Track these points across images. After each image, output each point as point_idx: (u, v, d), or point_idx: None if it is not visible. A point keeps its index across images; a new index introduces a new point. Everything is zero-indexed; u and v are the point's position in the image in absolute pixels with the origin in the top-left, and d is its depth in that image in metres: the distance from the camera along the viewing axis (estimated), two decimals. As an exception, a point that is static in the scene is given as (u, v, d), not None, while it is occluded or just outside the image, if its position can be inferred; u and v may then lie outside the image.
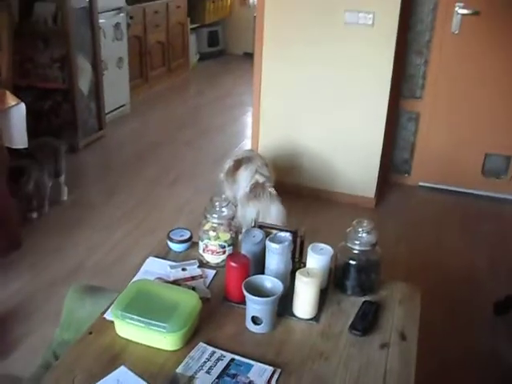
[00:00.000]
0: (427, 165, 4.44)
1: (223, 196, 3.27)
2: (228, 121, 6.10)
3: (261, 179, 3.36)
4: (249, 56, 9.00)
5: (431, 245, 3.71)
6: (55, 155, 3.91)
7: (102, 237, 3.66)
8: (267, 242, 1.71)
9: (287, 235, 1.75)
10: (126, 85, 6.05)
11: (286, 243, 1.71)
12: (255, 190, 3.30)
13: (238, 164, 3.51)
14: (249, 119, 5.94)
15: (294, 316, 1.66)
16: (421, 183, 4.51)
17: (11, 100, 2.99)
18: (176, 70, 7.67)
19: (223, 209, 1.86)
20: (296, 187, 4.19)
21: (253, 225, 1.90)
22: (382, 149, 3.97)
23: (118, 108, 5.93)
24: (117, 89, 5.79)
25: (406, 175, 4.55)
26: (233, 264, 1.67)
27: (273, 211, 3.26)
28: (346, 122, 3.99)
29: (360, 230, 1.77)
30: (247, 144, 5.11)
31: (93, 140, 5.22)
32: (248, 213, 3.24)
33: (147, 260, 1.94)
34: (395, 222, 3.96)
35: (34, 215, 3.78)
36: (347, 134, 4.01)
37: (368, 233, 1.77)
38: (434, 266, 3.46)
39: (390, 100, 3.86)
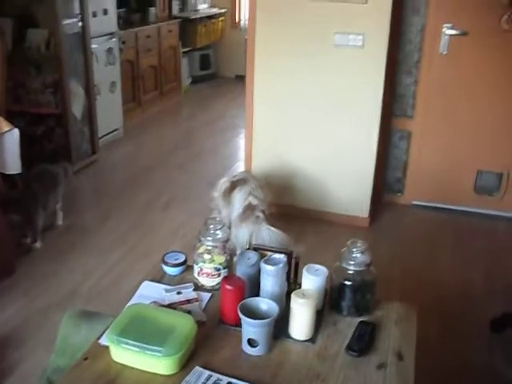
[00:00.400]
0: (420, 183, 4.45)
1: (218, 216, 3.36)
2: (220, 143, 6.12)
3: (254, 201, 3.38)
4: (240, 78, 9.04)
5: (425, 263, 3.71)
6: (54, 183, 3.90)
7: (97, 262, 3.65)
8: (262, 264, 1.71)
9: (282, 257, 1.75)
10: (119, 109, 6.07)
11: (281, 265, 1.71)
12: (248, 212, 3.33)
13: (234, 185, 3.51)
14: (241, 141, 5.97)
15: (290, 337, 1.66)
16: (414, 202, 4.52)
17: (4, 125, 2.99)
18: (168, 93, 7.71)
19: (217, 231, 1.86)
20: (290, 208, 4.20)
21: (247, 247, 1.90)
22: (375, 168, 3.99)
23: (111, 132, 5.94)
24: (110, 113, 5.81)
25: (399, 194, 4.57)
26: (228, 287, 1.67)
27: (264, 235, 3.28)
28: (339, 142, 4.00)
29: (354, 250, 1.77)
30: (240, 166, 5.12)
31: (86, 164, 5.22)
32: (241, 234, 3.27)
33: (142, 284, 1.93)
34: (389, 241, 3.96)
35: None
36: (340, 154, 4.02)
37: (362, 253, 1.78)
38: (429, 283, 3.46)
39: (381, 119, 3.89)
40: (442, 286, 3.45)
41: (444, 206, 4.46)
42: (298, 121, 4.07)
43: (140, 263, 3.61)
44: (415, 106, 4.28)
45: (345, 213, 4.14)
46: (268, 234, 3.29)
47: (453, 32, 4.00)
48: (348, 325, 1.74)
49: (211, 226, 1.86)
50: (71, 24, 4.85)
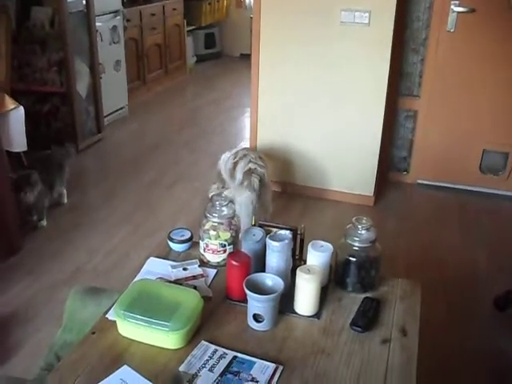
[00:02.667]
0: (425, 162, 4.45)
1: (222, 191, 3.41)
2: (226, 122, 6.11)
3: (252, 166, 3.55)
4: (245, 57, 9.01)
5: (430, 242, 3.72)
6: (59, 167, 3.92)
7: (102, 239, 3.67)
8: (267, 240, 1.72)
9: (287, 233, 1.76)
10: (124, 87, 6.06)
11: (286, 241, 1.71)
12: (248, 178, 3.48)
13: (236, 164, 3.58)
14: (247, 120, 5.97)
15: (295, 313, 1.67)
16: (419, 181, 4.52)
17: (10, 104, 2.99)
18: (173, 72, 7.68)
19: (223, 208, 1.87)
20: (295, 187, 4.21)
21: (253, 223, 1.91)
22: (380, 147, 3.98)
23: (117, 111, 5.94)
24: (115, 92, 5.80)
25: (405, 173, 4.56)
26: (234, 262, 1.68)
27: (243, 199, 3.46)
28: (344, 121, 3.99)
29: (359, 226, 1.78)
30: (246, 145, 5.11)
31: (91, 143, 5.23)
32: (244, 199, 3.43)
33: (148, 260, 1.95)
34: (394, 219, 3.97)
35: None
36: (345, 133, 4.01)
37: (367, 230, 1.78)
38: (434, 262, 3.47)
39: (387, 98, 3.86)
40: (447, 265, 3.46)
41: (449, 185, 4.46)
42: (303, 99, 4.05)
43: (145, 241, 3.63)
44: (422, 84, 4.26)
45: (350, 191, 4.14)
46: (245, 201, 3.46)
47: (460, 9, 3.96)
48: (353, 301, 1.75)
49: (217, 203, 1.87)
50: (75, 2, 4.82)
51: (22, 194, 3.56)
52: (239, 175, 3.52)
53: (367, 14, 3.63)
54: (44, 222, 3.81)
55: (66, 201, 4.07)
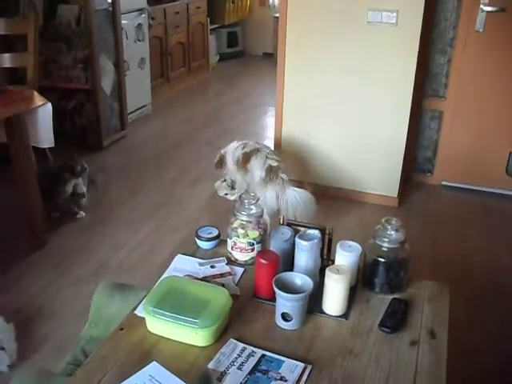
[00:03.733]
0: (450, 164, 4.41)
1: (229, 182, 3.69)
2: (248, 121, 6.11)
3: (273, 163, 3.57)
4: (268, 56, 9.02)
5: (455, 244, 3.69)
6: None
7: (126, 236, 3.69)
8: (297, 240, 1.71)
9: (316, 232, 1.75)
10: (148, 85, 6.09)
11: (316, 240, 1.71)
12: (270, 175, 3.50)
13: (248, 156, 3.65)
14: (269, 119, 5.97)
15: (324, 313, 1.67)
16: (443, 182, 4.49)
17: (38, 100, 3.01)
18: (196, 70, 7.70)
19: (252, 206, 1.87)
20: (318, 187, 4.19)
21: (281, 222, 1.90)
22: (405, 148, 3.95)
23: (140, 108, 5.97)
24: (138, 89, 5.83)
25: (429, 174, 4.53)
26: (263, 261, 1.67)
27: (288, 196, 3.47)
28: (369, 121, 3.97)
29: (389, 227, 1.76)
30: (269, 144, 5.11)
31: (115, 140, 5.26)
32: (268, 197, 3.44)
33: (176, 257, 1.95)
34: (419, 221, 3.94)
35: (56, 214, 3.82)
36: (370, 133, 3.99)
37: (397, 230, 1.77)
38: (459, 264, 3.44)
39: (413, 99, 3.84)
40: (472, 267, 3.43)
41: (474, 188, 4.42)
42: (329, 98, 4.04)
43: (169, 238, 3.65)
44: (448, 85, 4.22)
45: (374, 192, 4.12)
46: (293, 195, 3.46)
47: (489, 8, 3.91)
48: (380, 302, 1.74)
49: (246, 201, 1.87)
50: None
51: (70, 184, 3.69)
52: (260, 172, 3.56)
53: (395, 14, 3.61)
54: (83, 214, 3.86)
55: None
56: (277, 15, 8.65)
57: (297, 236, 1.73)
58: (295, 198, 3.47)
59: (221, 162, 3.83)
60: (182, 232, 3.69)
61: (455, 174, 4.44)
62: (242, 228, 1.86)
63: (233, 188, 4.00)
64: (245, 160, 3.67)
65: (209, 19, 7.92)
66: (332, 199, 4.13)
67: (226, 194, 3.98)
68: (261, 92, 7.29)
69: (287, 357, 1.48)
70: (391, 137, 3.94)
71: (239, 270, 1.86)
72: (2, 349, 2.36)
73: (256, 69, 8.52)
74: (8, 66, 3.77)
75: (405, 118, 3.86)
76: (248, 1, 9.07)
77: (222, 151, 3.82)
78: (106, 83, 5.05)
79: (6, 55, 3.75)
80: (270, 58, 8.97)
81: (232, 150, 3.80)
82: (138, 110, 5.91)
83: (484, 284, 3.28)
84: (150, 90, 6.18)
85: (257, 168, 3.58)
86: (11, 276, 3.20)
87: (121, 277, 3.14)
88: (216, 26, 8.38)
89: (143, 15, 5.77)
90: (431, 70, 4.22)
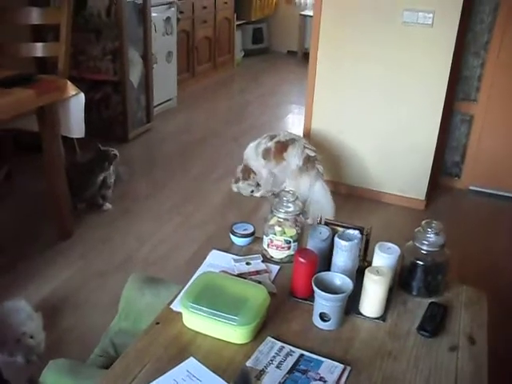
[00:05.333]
0: (478, 168, 4.37)
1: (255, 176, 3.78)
2: (273, 119, 6.10)
3: (311, 153, 3.69)
4: (292, 54, 9.00)
5: (483, 249, 3.65)
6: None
7: (152, 229, 3.68)
8: (336, 239, 1.69)
9: (356, 233, 1.73)
10: (174, 79, 6.08)
11: (356, 241, 1.69)
12: (307, 164, 3.63)
13: (284, 145, 3.76)
14: (295, 118, 5.97)
15: (361, 314, 1.65)
16: (471, 187, 4.44)
17: (72, 90, 3.01)
18: (221, 65, 7.70)
19: (290, 204, 1.85)
20: (345, 186, 4.17)
21: (318, 221, 1.88)
22: (435, 151, 3.91)
23: (166, 102, 5.97)
24: (165, 82, 5.82)
25: (456, 178, 4.49)
26: (302, 260, 1.66)
27: (316, 188, 3.62)
28: (400, 123, 3.94)
29: (429, 230, 1.74)
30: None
31: (141, 132, 5.26)
32: (302, 186, 3.57)
33: (210, 253, 1.93)
34: (446, 225, 3.81)
35: (82, 206, 3.82)
36: (400, 135, 3.96)
37: (437, 234, 1.75)
38: (486, 270, 3.41)
39: (444, 101, 3.80)
40: (500, 273, 3.39)
41: (502, 193, 4.36)
42: (359, 98, 4.01)
43: (195, 233, 3.64)
44: (480, 89, 4.17)
45: (401, 194, 4.09)
46: (320, 190, 3.62)
47: (527, 13, 3.86)
48: (418, 305, 1.72)
49: (284, 199, 1.85)
50: (132, -9, 4.86)
51: (101, 176, 3.75)
52: (297, 160, 3.65)
53: (431, 15, 3.57)
54: (109, 205, 3.88)
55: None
56: (303, 13, 8.66)
57: (336, 235, 1.71)
58: (320, 194, 3.59)
59: (248, 172, 3.93)
60: (209, 228, 3.68)
61: (483, 178, 4.39)
62: (279, 225, 1.84)
63: (258, 185, 4.01)
64: (280, 149, 3.74)
65: (235, 15, 7.90)
66: (358, 199, 4.10)
67: (252, 192, 3.98)
68: (286, 90, 7.27)
69: (325, 357, 1.47)
70: (422, 139, 3.90)
71: (275, 268, 1.85)
72: (31, 337, 2.36)
73: (280, 66, 8.50)
74: (40, 55, 3.77)
75: (436, 121, 3.83)
76: (275, -2, 9.05)
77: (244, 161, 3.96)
78: (134, 75, 5.05)
79: (39, 45, 3.75)
80: (295, 55, 8.95)
81: (253, 147, 3.84)
82: (163, 103, 5.91)
83: (512, 291, 3.24)
84: (176, 83, 6.16)
85: (294, 156, 3.66)
86: (37, 265, 3.20)
87: (147, 270, 3.14)
88: (242, 21, 8.37)
89: (172, 9, 5.76)
90: (464, 72, 4.17)
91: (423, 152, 3.92)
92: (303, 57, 8.72)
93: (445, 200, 4.27)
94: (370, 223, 1.84)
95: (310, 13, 8.54)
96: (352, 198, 4.07)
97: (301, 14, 8.76)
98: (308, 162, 3.66)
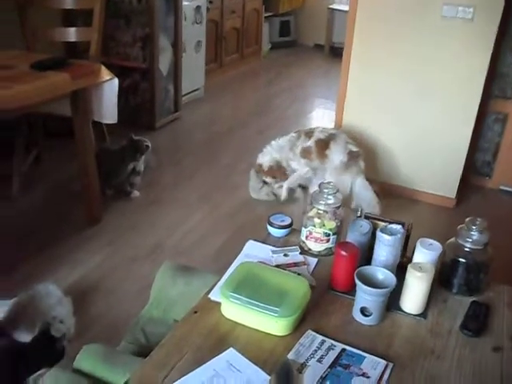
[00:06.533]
0: (510, 169, 4.29)
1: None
2: (301, 112, 6.06)
3: (354, 148, 3.71)
4: (319, 48, 8.93)
5: (513, 249, 3.59)
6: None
7: (181, 218, 3.67)
8: (379, 234, 1.67)
9: (399, 227, 1.70)
10: (202, 68, 6.05)
11: (399, 235, 1.67)
12: (351, 159, 3.65)
13: (325, 142, 3.73)
14: (323, 112, 5.93)
15: (401, 310, 1.62)
16: (502, 187, 4.37)
17: (106, 74, 3.00)
18: (248, 57, 7.66)
19: (330, 196, 1.82)
20: (375, 182, 4.11)
21: (358, 215, 1.85)
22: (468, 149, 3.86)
23: (193, 91, 5.94)
24: (193, 72, 5.80)
25: (487, 178, 4.42)
26: (343, 253, 1.63)
27: (357, 184, 3.67)
28: (433, 120, 3.88)
29: (473, 228, 1.71)
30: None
31: (168, 121, 5.25)
32: (345, 182, 3.60)
33: (247, 243, 1.91)
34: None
35: (110, 192, 3.82)
36: (433, 132, 3.90)
37: (481, 232, 1.72)
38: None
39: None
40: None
41: (534, 195, 4.30)
42: (393, 93, 3.96)
43: (223, 223, 3.63)
44: (517, 87, 4.10)
45: (432, 192, 4.04)
46: (362, 186, 3.66)
47: None
48: (458, 303, 1.69)
49: (325, 191, 1.82)
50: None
51: (132, 164, 3.77)
52: (342, 156, 3.65)
53: (472, 9, 3.49)
54: (137, 193, 3.88)
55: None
56: (331, 6, 8.59)
57: (378, 230, 1.69)
58: (360, 189, 3.63)
59: (278, 170, 3.85)
60: (237, 218, 3.66)
61: (515, 179, 4.32)
62: (319, 218, 1.82)
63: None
64: (322, 146, 3.71)
65: (264, 7, 7.85)
66: (389, 196, 4.04)
67: (274, 195, 3.91)
68: (312, 83, 7.22)
69: (367, 352, 1.44)
70: (455, 137, 3.84)
71: (312, 261, 1.82)
72: (61, 322, 2.36)
73: (307, 60, 8.43)
74: (73, 40, 3.77)
75: (471, 119, 3.77)
76: (303, -10, 8.98)
77: (267, 159, 3.89)
78: (164, 64, 5.03)
79: (72, 29, 3.75)
80: (322, 49, 8.88)
81: (287, 146, 3.79)
82: (191, 92, 5.88)
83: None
84: (204, 73, 6.14)
85: (338, 152, 3.67)
86: (67, 249, 3.21)
87: (176, 259, 3.10)
88: (270, 14, 8.31)
89: (203, -3, 5.73)
90: (500, 69, 4.08)
91: (456, 150, 3.86)
92: (330, 51, 8.66)
93: (475, 199, 4.21)
94: (401, 220, 1.81)
95: (339, 6, 8.51)
96: (383, 194, 4.02)
97: (329, 8, 8.68)
98: (351, 157, 3.66)
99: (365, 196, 3.67)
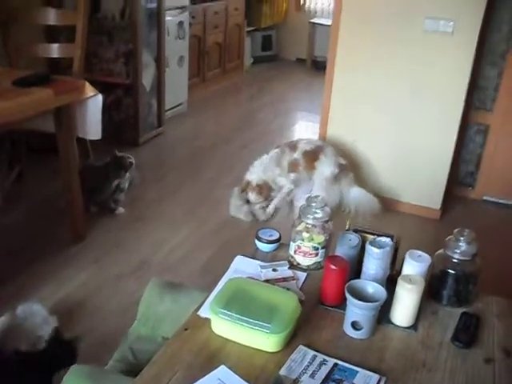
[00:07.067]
0: (493, 179, 4.33)
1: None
2: (283, 126, 6.08)
3: (342, 161, 3.76)
4: (301, 62, 8.99)
5: (499, 259, 3.60)
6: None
7: (166, 234, 3.66)
8: (368, 246, 1.66)
9: (388, 240, 1.70)
10: (185, 83, 6.06)
11: (388, 248, 1.66)
12: (341, 173, 3.71)
13: (312, 154, 3.76)
14: (306, 125, 5.94)
15: (392, 323, 1.61)
16: (485, 197, 4.41)
17: (90, 91, 2.99)
18: (231, 71, 7.68)
19: (318, 210, 1.81)
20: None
21: (347, 228, 1.85)
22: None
23: (176, 106, 5.94)
24: (176, 87, 5.80)
25: (470, 188, 4.45)
26: (332, 267, 1.62)
27: (354, 192, 3.75)
28: (417, 131, 3.92)
29: (461, 239, 1.72)
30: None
31: (152, 136, 5.25)
32: (336, 192, 3.69)
33: (235, 258, 1.89)
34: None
35: (94, 209, 3.79)
36: (417, 143, 3.94)
37: (469, 243, 1.72)
38: (503, 279, 3.36)
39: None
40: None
41: (517, 204, 4.33)
42: (376, 107, 3.99)
43: (210, 238, 3.62)
44: (496, 99, 4.14)
45: (416, 203, 4.07)
46: (359, 193, 3.73)
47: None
48: (449, 315, 1.68)
49: (313, 204, 1.81)
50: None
51: (116, 181, 3.75)
52: (332, 168, 3.69)
53: (452, 23, 3.54)
54: (122, 210, 3.86)
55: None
56: (312, 21, 8.65)
57: (368, 243, 1.68)
58: (358, 198, 3.69)
59: (265, 190, 3.84)
60: (223, 233, 3.65)
61: (498, 189, 4.35)
62: (307, 232, 1.81)
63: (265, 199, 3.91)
64: (311, 158, 3.73)
65: (246, 21, 7.89)
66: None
67: (262, 208, 3.89)
68: (295, 97, 7.26)
69: (359, 367, 1.43)
70: (438, 149, 3.88)
71: (301, 275, 1.81)
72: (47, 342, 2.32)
73: (289, 74, 8.49)
74: (56, 56, 3.76)
75: (453, 131, 3.81)
76: (284, 5, 9.03)
77: (254, 177, 3.86)
78: (147, 79, 5.03)
79: (54, 45, 3.74)
80: (303, 63, 8.93)
81: (272, 162, 3.78)
82: (174, 107, 5.88)
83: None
84: (187, 88, 6.14)
85: (328, 164, 3.70)
86: (51, 267, 3.17)
87: (163, 275, 3.10)
88: (252, 28, 8.37)
89: (185, 13, 5.74)
90: (480, 82, 4.14)
91: (439, 161, 3.90)
92: (312, 64, 8.72)
93: (459, 210, 4.24)
94: (388, 232, 1.81)
95: (320, 21, 8.57)
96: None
97: (310, 22, 8.75)
98: (341, 169, 3.72)
99: (365, 201, 3.74)
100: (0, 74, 3.02)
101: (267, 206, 3.85)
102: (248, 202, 3.84)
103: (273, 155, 3.85)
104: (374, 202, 3.72)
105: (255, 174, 3.85)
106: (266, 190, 3.82)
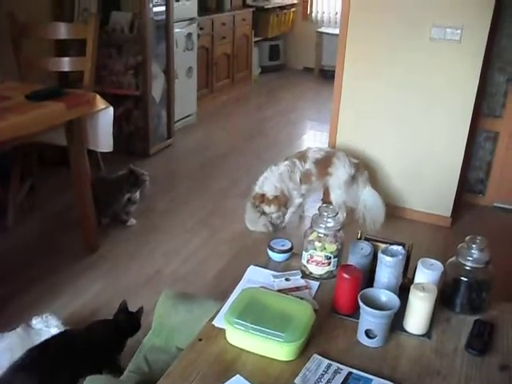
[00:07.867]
0: (503, 185, 4.31)
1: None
2: (293, 135, 6.08)
3: (354, 160, 3.80)
4: (309, 71, 9.02)
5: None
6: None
7: (178, 244, 3.67)
8: (380, 255, 1.67)
9: (400, 248, 1.71)
10: (194, 94, 6.09)
11: (400, 256, 1.67)
12: (357, 171, 3.75)
13: (324, 162, 3.77)
14: (316, 134, 5.95)
15: (405, 331, 1.62)
16: (496, 204, 4.39)
17: (101, 103, 3.01)
18: (239, 82, 7.71)
19: (330, 219, 1.82)
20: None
21: (358, 237, 1.86)
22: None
23: (186, 117, 5.98)
24: (185, 98, 5.83)
25: (480, 195, 4.44)
26: (346, 276, 1.63)
27: (366, 193, 3.76)
28: (426, 139, 3.91)
29: (474, 246, 1.72)
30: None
31: (161, 148, 5.27)
32: (353, 193, 3.74)
33: (248, 268, 1.91)
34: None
35: (106, 221, 3.82)
36: (426, 151, 3.93)
37: (481, 250, 1.72)
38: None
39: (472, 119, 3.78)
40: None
41: (528, 211, 4.32)
42: (386, 114, 3.99)
43: (222, 248, 3.63)
44: (506, 105, 4.13)
45: (427, 211, 4.06)
46: (371, 195, 3.75)
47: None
48: (462, 322, 1.69)
49: (325, 214, 1.82)
50: (155, 7, 4.87)
51: (128, 194, 3.78)
52: (348, 169, 3.72)
53: (459, 31, 3.55)
54: (134, 221, 3.88)
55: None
56: (319, 30, 8.68)
57: (380, 251, 1.69)
58: (370, 199, 3.74)
59: (283, 199, 3.82)
60: (235, 243, 3.66)
61: (508, 195, 4.33)
62: (319, 241, 1.82)
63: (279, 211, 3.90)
64: (323, 165, 3.75)
65: (253, 32, 7.93)
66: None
67: (279, 221, 3.88)
68: (303, 106, 7.27)
69: (373, 375, 1.44)
70: (448, 156, 3.87)
71: (314, 284, 1.82)
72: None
73: (297, 83, 8.51)
74: (67, 69, 3.79)
75: (463, 138, 3.80)
76: (291, 15, 9.07)
77: (267, 189, 3.83)
78: (156, 91, 5.06)
79: (65, 59, 3.77)
80: (311, 72, 8.96)
81: (285, 176, 3.77)
82: (183, 118, 5.91)
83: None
84: (196, 99, 6.17)
85: (343, 167, 3.72)
86: (64, 279, 3.19)
87: (176, 286, 3.11)
88: (259, 38, 8.40)
89: (193, 25, 5.78)
90: (489, 88, 4.13)
91: (449, 168, 3.89)
92: (320, 73, 8.74)
93: (470, 217, 4.23)
94: (399, 241, 1.82)
95: (327, 30, 8.60)
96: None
97: (317, 31, 8.78)
98: (357, 169, 3.75)
99: (372, 203, 3.75)
100: (13, 89, 3.05)
101: (284, 215, 3.86)
102: (264, 213, 3.83)
103: (283, 169, 3.80)
104: (381, 208, 3.72)
105: (267, 186, 3.80)
106: (283, 199, 3.81)
